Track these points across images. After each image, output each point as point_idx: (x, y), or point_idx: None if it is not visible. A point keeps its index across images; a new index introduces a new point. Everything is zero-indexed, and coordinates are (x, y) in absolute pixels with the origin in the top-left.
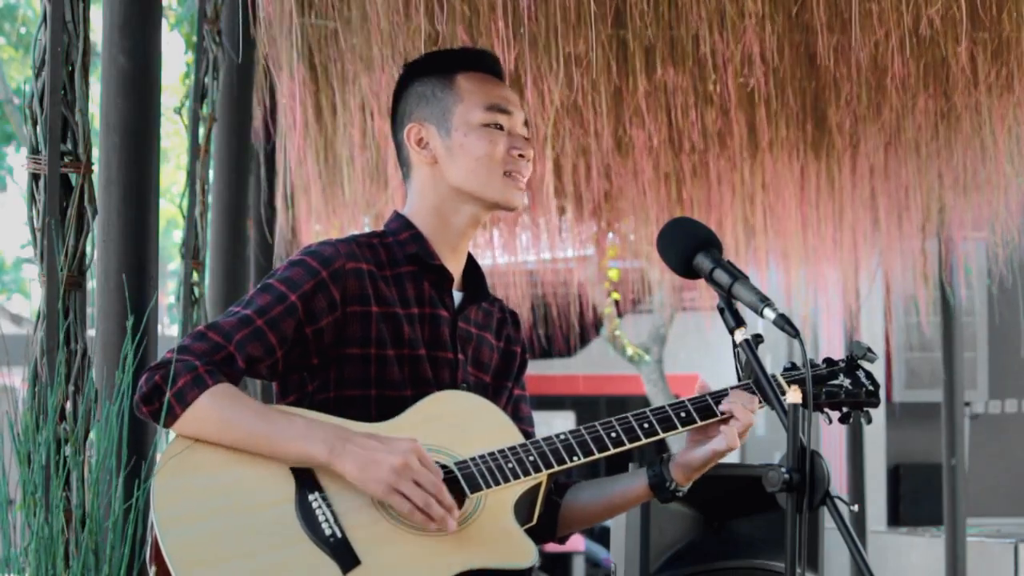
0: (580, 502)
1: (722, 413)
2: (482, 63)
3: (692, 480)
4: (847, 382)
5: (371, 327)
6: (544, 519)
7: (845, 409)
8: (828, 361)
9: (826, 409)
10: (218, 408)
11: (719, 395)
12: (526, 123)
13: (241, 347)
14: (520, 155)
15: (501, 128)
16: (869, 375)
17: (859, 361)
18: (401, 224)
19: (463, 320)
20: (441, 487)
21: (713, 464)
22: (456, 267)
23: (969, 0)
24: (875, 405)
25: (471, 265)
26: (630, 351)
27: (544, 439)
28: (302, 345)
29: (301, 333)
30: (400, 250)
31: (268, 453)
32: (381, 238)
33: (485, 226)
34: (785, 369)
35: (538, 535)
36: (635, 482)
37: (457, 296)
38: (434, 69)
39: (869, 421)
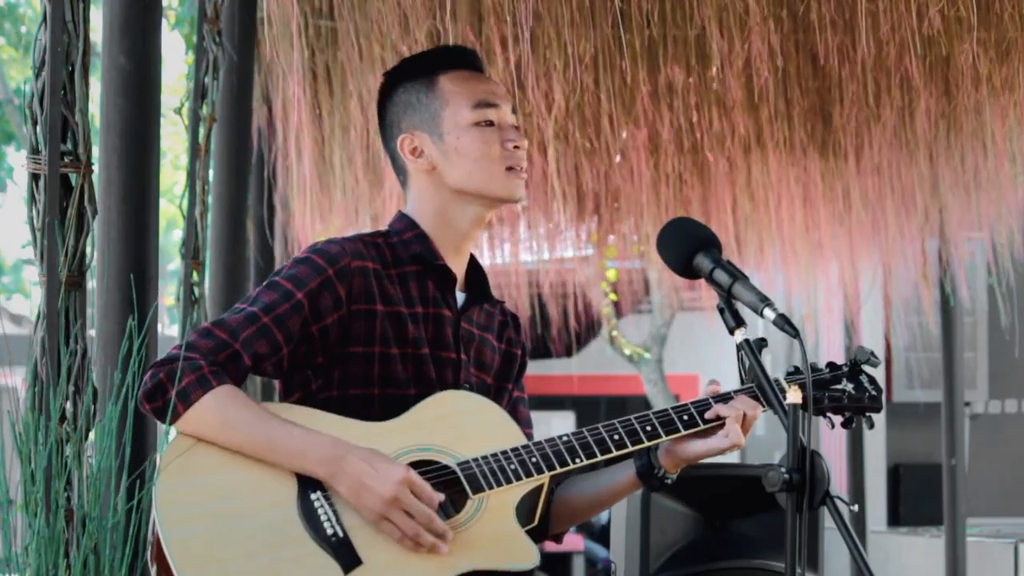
0: (571, 496)
1: (720, 417)
2: (461, 60)
3: (680, 468)
4: (850, 387)
5: (376, 325)
6: (540, 517)
7: (847, 413)
8: (831, 365)
9: (828, 413)
10: (220, 411)
11: (723, 398)
12: (514, 110)
13: (247, 345)
14: (515, 147)
15: (491, 123)
16: (872, 380)
17: (862, 366)
18: (406, 224)
19: (466, 321)
20: (432, 517)
21: (706, 458)
22: (459, 268)
23: (972, 0)
24: (877, 410)
25: (474, 266)
26: (630, 351)
27: (547, 440)
28: (308, 343)
29: (307, 331)
30: (404, 249)
31: (265, 461)
32: (385, 237)
33: (486, 226)
34: (789, 373)
35: (533, 534)
36: (623, 473)
37: (460, 297)
38: (415, 74)
39: (871, 426)
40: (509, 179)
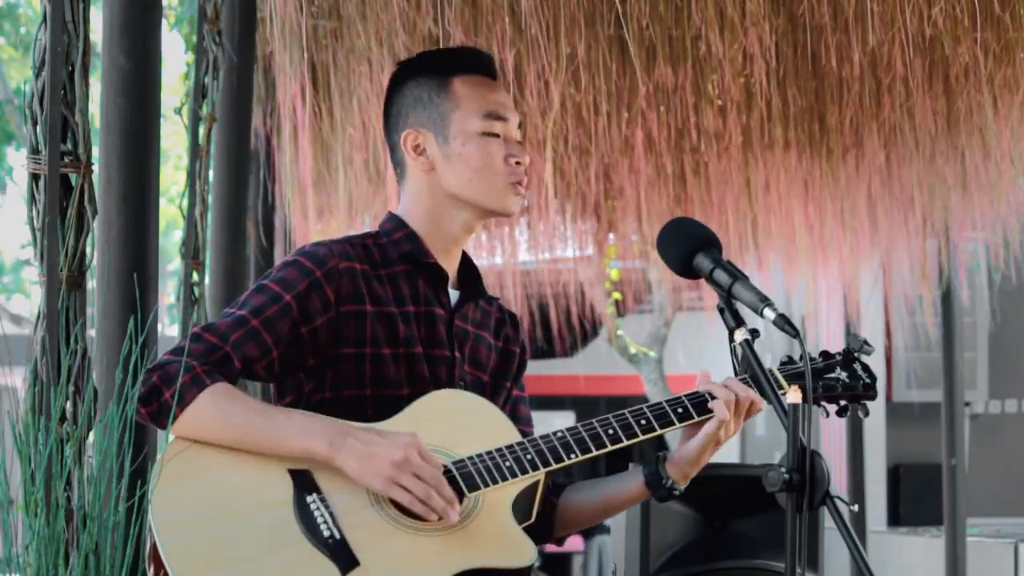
0: (577, 502)
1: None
2: (478, 65)
3: (690, 477)
4: (844, 375)
5: (366, 326)
6: (542, 519)
7: (842, 402)
8: (825, 354)
9: (823, 402)
10: (217, 406)
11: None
12: (520, 124)
13: (237, 347)
14: (517, 163)
15: (498, 136)
16: (866, 367)
17: (856, 354)
18: (395, 224)
19: (460, 318)
20: (441, 479)
21: (710, 453)
22: (450, 266)
23: (972, 0)
24: (872, 398)
25: (466, 263)
26: (633, 350)
27: (541, 437)
28: (297, 345)
29: (296, 333)
30: (394, 249)
31: (269, 449)
32: (375, 238)
33: (486, 227)
34: (782, 363)
35: (536, 536)
36: (631, 481)
37: (453, 294)
38: (429, 70)
39: (866, 414)
40: (507, 193)
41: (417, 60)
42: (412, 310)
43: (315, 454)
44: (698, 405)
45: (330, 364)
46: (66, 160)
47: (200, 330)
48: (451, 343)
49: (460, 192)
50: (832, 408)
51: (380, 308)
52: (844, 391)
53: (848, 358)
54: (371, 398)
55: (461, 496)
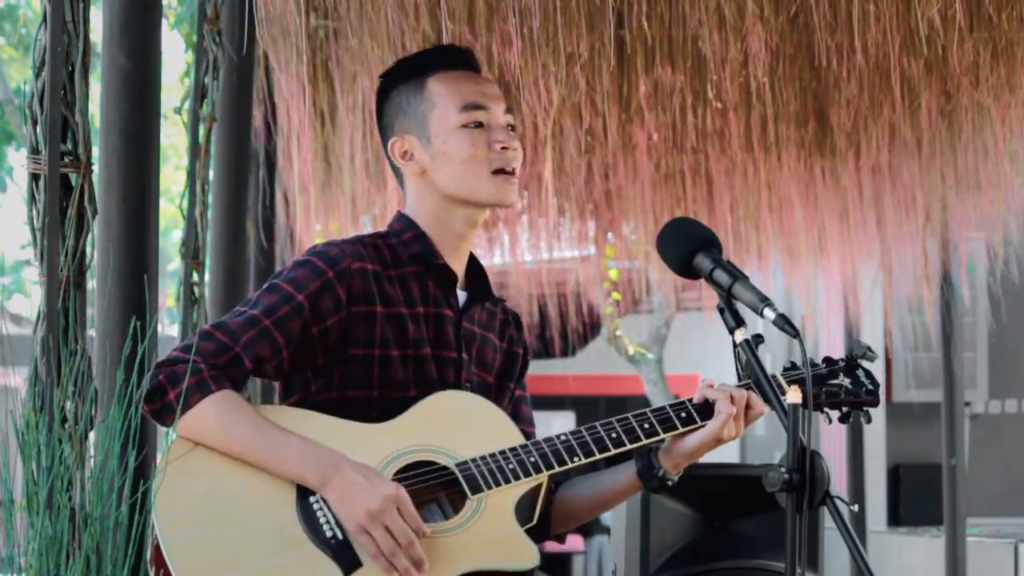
0: (572, 497)
1: (710, 401)
2: (453, 61)
3: (681, 468)
4: (847, 381)
5: (375, 328)
6: (540, 518)
7: (845, 409)
8: (828, 360)
9: (826, 409)
10: (218, 416)
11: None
12: (509, 110)
13: (248, 348)
14: (504, 148)
15: (481, 125)
16: (869, 374)
17: (859, 360)
18: (404, 224)
19: (467, 320)
20: (412, 541)
21: (706, 450)
22: (459, 266)
23: (970, 0)
24: (875, 404)
25: (474, 265)
26: (631, 350)
27: (545, 440)
28: (308, 345)
29: (307, 333)
30: (404, 250)
31: (262, 468)
32: (385, 238)
33: (486, 227)
34: (785, 369)
35: (535, 533)
36: (624, 473)
37: (461, 296)
38: (407, 76)
39: (869, 420)
40: (496, 182)
41: (395, 68)
42: (422, 311)
43: (306, 483)
44: (701, 410)
45: (338, 364)
46: (66, 160)
47: (211, 328)
48: (459, 345)
49: (453, 190)
50: (835, 415)
51: (390, 309)
52: (847, 397)
53: (851, 364)
54: (377, 400)
55: (464, 499)
